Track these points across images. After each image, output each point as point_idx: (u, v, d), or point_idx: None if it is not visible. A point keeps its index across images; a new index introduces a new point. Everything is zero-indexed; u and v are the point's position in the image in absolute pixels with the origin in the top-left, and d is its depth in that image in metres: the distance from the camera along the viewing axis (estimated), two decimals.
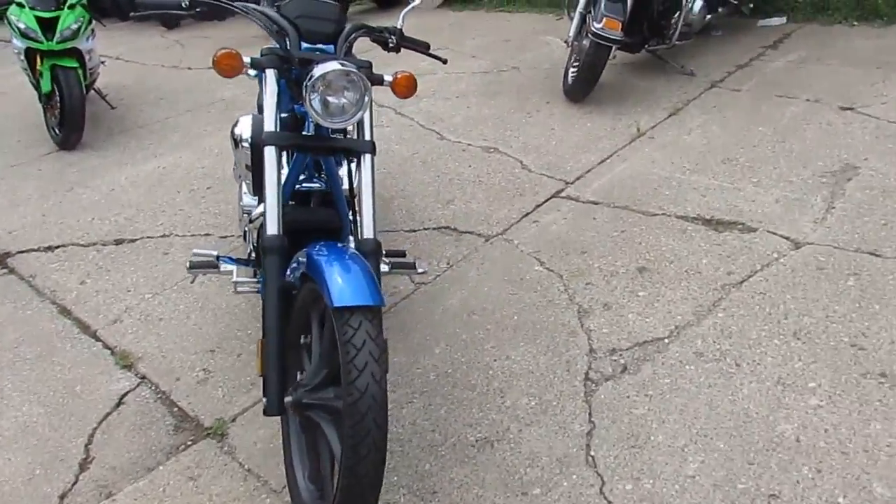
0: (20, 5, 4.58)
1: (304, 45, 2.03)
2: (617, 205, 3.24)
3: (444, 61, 2.50)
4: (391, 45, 2.22)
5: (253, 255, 2.37)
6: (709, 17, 4.87)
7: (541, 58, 5.36)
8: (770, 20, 5.61)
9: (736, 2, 5.15)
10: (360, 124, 2.00)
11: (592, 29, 4.06)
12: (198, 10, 1.97)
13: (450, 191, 3.59)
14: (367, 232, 1.93)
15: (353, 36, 2.07)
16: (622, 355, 2.33)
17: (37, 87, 4.86)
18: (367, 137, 1.99)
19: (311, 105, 1.79)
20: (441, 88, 5.13)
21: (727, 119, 3.95)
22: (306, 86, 1.77)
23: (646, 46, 4.64)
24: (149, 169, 4.31)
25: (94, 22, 5.15)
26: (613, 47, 4.15)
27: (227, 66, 1.84)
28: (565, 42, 4.43)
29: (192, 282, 2.80)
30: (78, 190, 4.13)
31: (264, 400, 1.75)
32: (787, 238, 2.82)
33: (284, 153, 2.03)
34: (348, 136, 2.14)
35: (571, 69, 4.44)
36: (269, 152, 1.87)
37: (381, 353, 1.57)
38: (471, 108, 4.68)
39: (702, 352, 2.30)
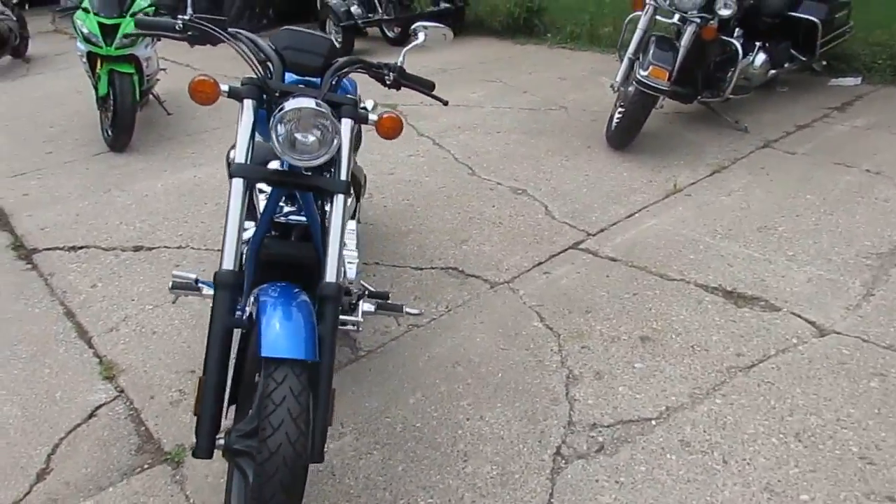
0: (86, 10, 4.77)
1: (291, 76, 1.98)
2: (635, 264, 3.06)
3: (445, 103, 2.41)
4: (388, 81, 2.15)
5: None
6: (773, 72, 4.64)
7: (592, 99, 5.22)
8: (843, 80, 5.31)
9: (805, 58, 4.89)
10: (336, 162, 1.92)
11: (638, 76, 3.91)
12: (189, 33, 1.95)
13: (467, 230, 3.48)
14: (330, 275, 1.84)
15: (343, 70, 2.00)
16: (601, 432, 2.17)
17: (95, 88, 5.04)
18: (343, 177, 1.90)
19: (276, 140, 1.73)
20: (484, 122, 5.05)
21: (773, 183, 3.72)
22: (273, 118, 1.72)
23: (698, 98, 4.45)
24: (185, 178, 4.38)
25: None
26: (660, 97, 3.98)
27: (202, 93, 1.81)
28: (611, 86, 4.28)
29: (173, 301, 2.78)
30: (114, 192, 4.23)
31: (195, 441, 1.68)
32: (811, 323, 2.59)
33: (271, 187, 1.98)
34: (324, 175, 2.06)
35: (616, 115, 4.29)
36: (235, 184, 1.82)
37: (302, 412, 1.47)
38: (509, 145, 4.58)
39: (689, 441, 2.11)
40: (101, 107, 5.06)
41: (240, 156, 1.83)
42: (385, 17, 7.98)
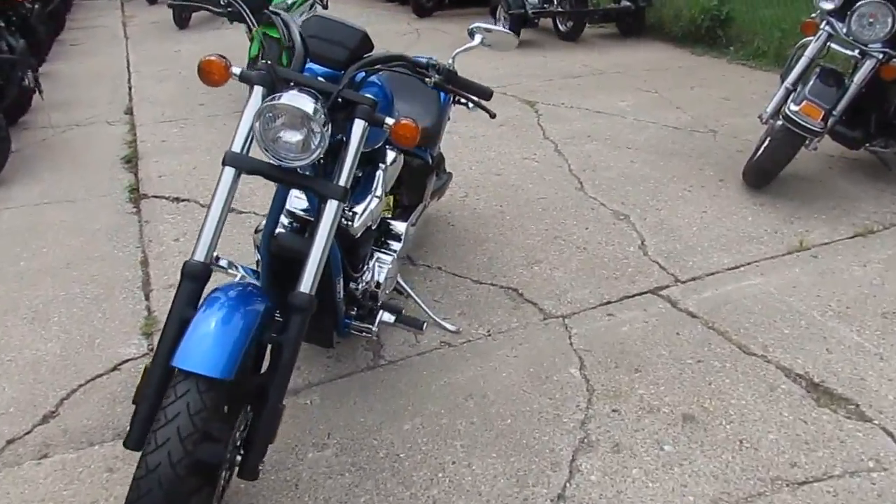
0: None
1: (314, 66, 1.86)
2: (715, 326, 2.65)
3: (493, 115, 2.17)
4: (429, 84, 1.97)
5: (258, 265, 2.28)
6: None
7: (749, 127, 4.64)
8: None
9: None
10: (339, 165, 1.78)
11: (787, 111, 3.39)
12: (229, 9, 1.89)
13: (545, 250, 3.22)
14: (304, 285, 1.71)
15: (373, 67, 1.85)
16: None
17: (249, 49, 5.29)
18: (342, 182, 1.76)
19: (257, 133, 1.62)
20: (618, 135, 4.68)
21: None
22: (256, 111, 1.61)
23: (867, 145, 3.79)
24: None
25: (316, 4, 5.53)
26: (810, 138, 3.43)
27: (210, 74, 1.74)
28: (759, 117, 3.75)
29: None
30: None
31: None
32: None
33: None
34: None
35: (759, 150, 3.76)
36: (226, 173, 1.75)
37: (194, 434, 1.37)
38: (634, 163, 4.19)
39: None
40: (250, 67, 5.31)
41: (236, 144, 1.74)
42: (559, 9, 7.67)
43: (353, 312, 2.29)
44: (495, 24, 7.67)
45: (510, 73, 6.32)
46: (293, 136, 1.63)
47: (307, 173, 1.81)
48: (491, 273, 3.04)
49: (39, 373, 2.48)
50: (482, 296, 2.88)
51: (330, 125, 1.66)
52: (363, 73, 1.86)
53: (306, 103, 1.60)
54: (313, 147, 1.63)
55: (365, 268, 2.32)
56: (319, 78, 1.82)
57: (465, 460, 2.06)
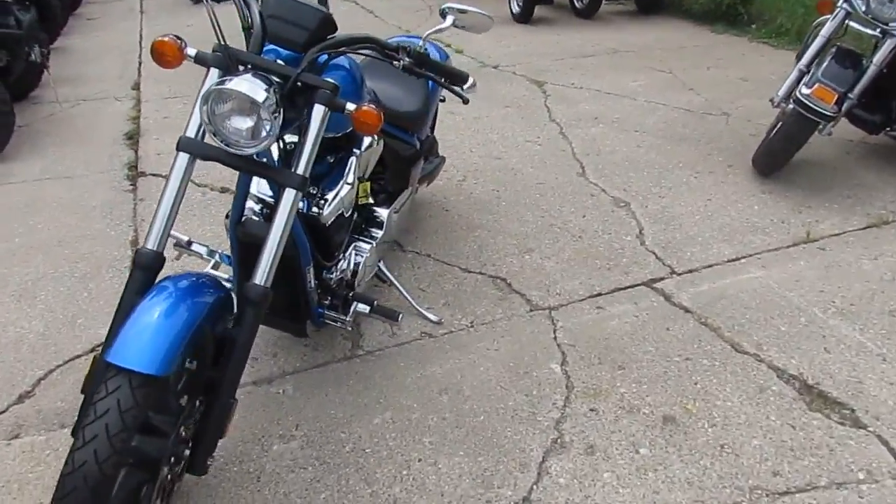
0: None
1: (278, 48, 1.78)
2: (708, 322, 2.54)
3: (465, 101, 2.07)
4: (399, 67, 1.87)
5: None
6: None
7: (764, 110, 4.45)
8: None
9: None
10: (298, 152, 1.70)
11: (798, 94, 3.23)
12: None
13: (539, 238, 3.12)
14: (259, 276, 1.65)
15: (335, 49, 1.76)
16: None
17: None
18: (300, 170, 1.68)
19: (205, 117, 1.55)
20: (627, 117, 4.53)
21: None
22: (202, 94, 1.53)
23: (888, 129, 3.61)
24: None
25: None
26: (824, 123, 3.27)
27: (163, 55, 1.66)
28: (770, 100, 3.59)
29: (176, 258, 2.75)
30: None
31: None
32: None
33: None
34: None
35: (769, 135, 3.61)
36: (180, 159, 1.68)
37: (123, 431, 1.31)
38: (640, 148, 4.06)
39: None
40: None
41: (191, 129, 1.67)
42: None
43: (327, 302, 2.23)
44: (510, 1, 7.51)
45: (520, 51, 6.17)
46: (242, 123, 1.56)
47: (264, 160, 1.73)
48: (480, 261, 2.95)
49: (20, 351, 2.46)
50: (469, 285, 2.80)
51: (282, 112, 1.58)
52: (325, 56, 1.77)
53: (255, 89, 1.52)
54: (263, 135, 1.56)
55: (340, 256, 2.25)
56: (279, 61, 1.74)
57: (432, 458, 2.00)
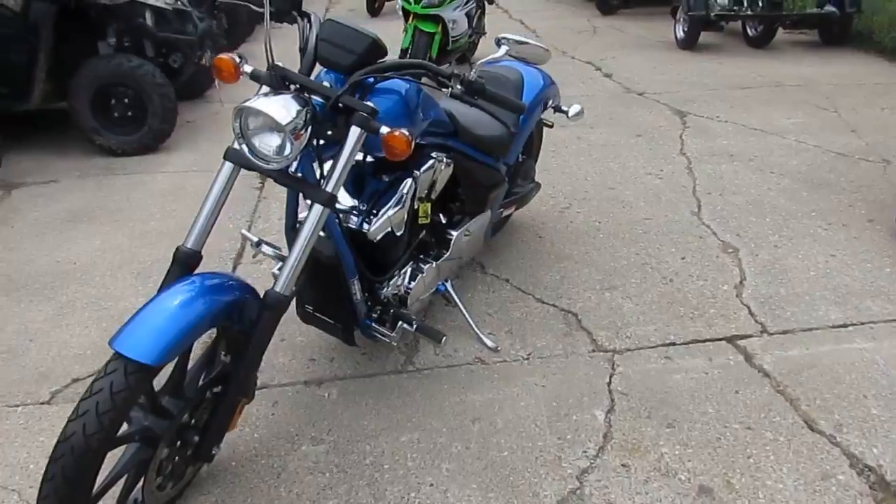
0: None
1: (324, 70, 1.87)
2: (786, 391, 2.29)
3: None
4: (447, 94, 1.89)
5: None
6: None
7: None
8: None
9: None
10: (330, 170, 1.78)
11: None
12: (272, 9, 1.94)
13: (626, 276, 2.98)
14: (279, 284, 1.74)
15: (381, 73, 1.81)
16: None
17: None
18: (329, 188, 1.76)
19: (236, 131, 1.67)
20: (767, 156, 4.21)
21: None
22: (234, 110, 1.65)
23: None
24: None
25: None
26: None
27: (220, 71, 1.81)
28: None
29: (253, 257, 2.91)
30: None
31: None
32: None
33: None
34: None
35: None
36: (224, 168, 1.82)
37: (111, 411, 1.43)
38: (770, 191, 3.75)
39: None
40: (402, 58, 5.47)
41: (237, 141, 1.81)
42: (748, 12, 7.00)
43: (376, 315, 2.29)
44: (675, 24, 7.21)
45: (673, 78, 5.91)
46: (270, 139, 1.66)
47: (300, 174, 1.83)
48: (557, 293, 2.88)
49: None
50: (538, 316, 2.74)
51: (308, 131, 1.67)
52: (371, 79, 1.83)
53: (279, 109, 1.61)
54: (287, 152, 1.65)
55: (395, 272, 2.30)
56: (325, 83, 1.83)
57: (444, 485, 1.98)
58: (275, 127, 1.62)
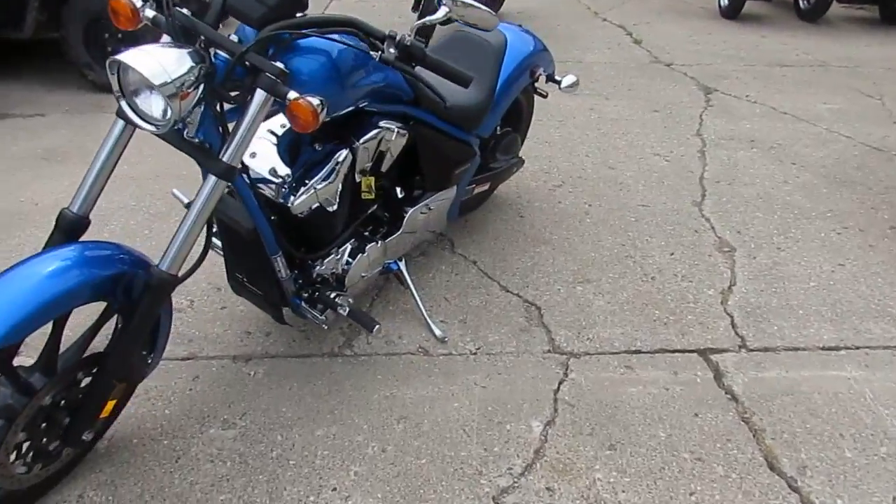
0: None
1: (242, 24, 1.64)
2: (751, 420, 2.05)
3: (444, 101, 1.79)
4: (377, 57, 1.65)
5: None
6: None
7: None
8: None
9: None
10: (230, 138, 1.57)
11: None
12: None
13: (604, 269, 2.73)
14: (165, 262, 1.56)
15: (297, 30, 1.58)
16: None
17: None
18: (227, 158, 1.55)
19: (115, 87, 1.46)
20: (791, 146, 3.86)
21: None
22: (107, 62, 1.44)
23: None
24: None
25: None
26: None
27: (116, 14, 1.58)
28: None
29: None
30: None
31: None
32: None
33: None
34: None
35: None
36: (116, 125, 1.62)
37: None
38: (786, 184, 3.41)
39: None
40: (414, 9, 5.17)
41: (118, 98, 1.59)
42: None
43: (307, 295, 2.10)
44: None
45: (708, 50, 5.49)
46: (152, 99, 1.45)
47: (199, 139, 1.61)
48: (524, 282, 2.65)
49: None
50: (498, 306, 2.52)
51: (199, 90, 1.45)
52: (286, 35, 1.59)
53: (152, 65, 1.38)
54: (168, 115, 1.43)
55: (332, 250, 2.10)
56: (236, 38, 1.60)
57: (348, 491, 1.81)
58: (148, 86, 1.41)
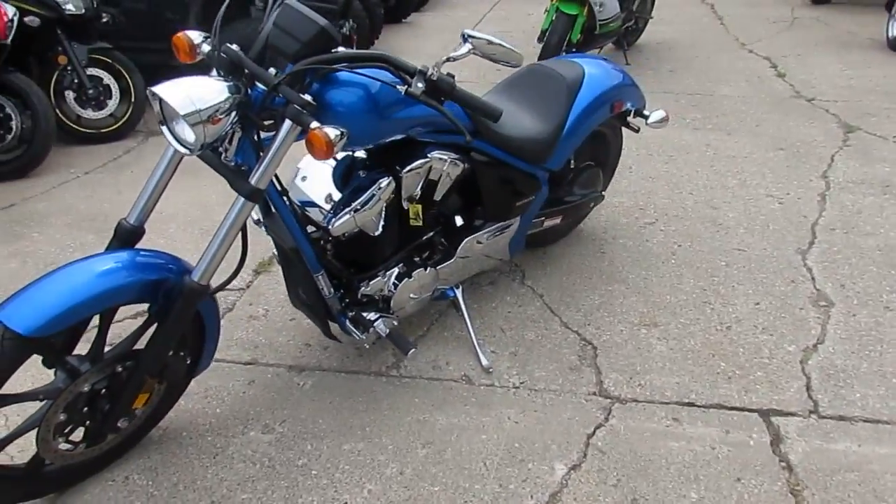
0: None
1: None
2: (801, 494, 1.85)
3: (467, 141, 1.80)
4: (406, 91, 1.72)
5: None
6: None
7: None
8: None
9: None
10: (259, 163, 1.70)
11: None
12: None
13: (676, 314, 2.59)
14: (196, 273, 1.71)
15: (328, 65, 1.68)
16: None
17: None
18: (254, 181, 1.68)
19: (156, 113, 1.63)
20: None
21: None
22: (148, 93, 1.61)
23: None
24: None
25: None
26: None
27: (178, 49, 1.77)
28: None
29: None
30: None
31: None
32: None
33: None
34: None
35: None
36: (168, 147, 1.80)
37: None
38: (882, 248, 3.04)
39: None
40: (540, 40, 5.19)
41: (159, 125, 1.77)
42: None
43: (351, 314, 2.19)
44: (888, 20, 6.10)
45: (861, 86, 5.02)
46: (177, 126, 1.61)
47: (233, 162, 1.75)
48: (587, 320, 2.57)
49: None
50: (553, 341, 2.47)
51: (230, 120, 1.60)
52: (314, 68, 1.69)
53: (180, 96, 1.53)
54: (195, 141, 1.58)
55: (379, 273, 2.18)
56: (272, 70, 1.73)
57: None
58: (175, 115, 1.56)
